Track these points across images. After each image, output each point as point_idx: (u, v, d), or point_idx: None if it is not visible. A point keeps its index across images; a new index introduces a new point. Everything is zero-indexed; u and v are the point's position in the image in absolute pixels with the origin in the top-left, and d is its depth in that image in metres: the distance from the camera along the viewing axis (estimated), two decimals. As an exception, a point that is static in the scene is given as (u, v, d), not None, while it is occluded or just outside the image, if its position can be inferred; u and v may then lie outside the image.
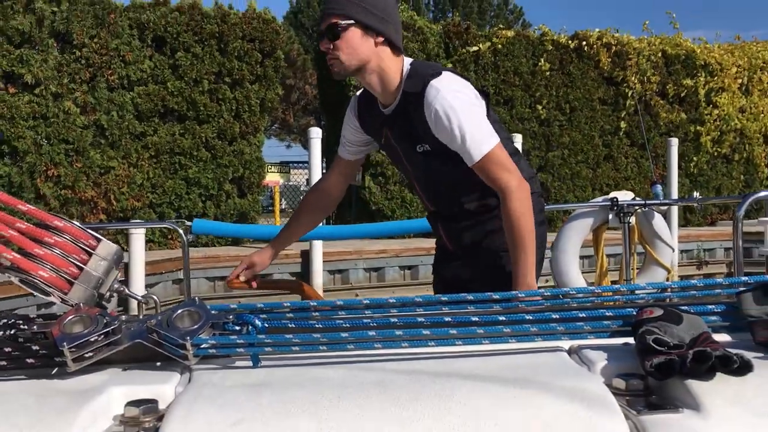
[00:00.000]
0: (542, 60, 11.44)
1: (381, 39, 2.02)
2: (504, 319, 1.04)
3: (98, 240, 0.94)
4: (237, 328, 0.94)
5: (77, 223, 0.93)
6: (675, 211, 9.72)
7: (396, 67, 2.07)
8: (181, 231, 2.83)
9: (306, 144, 9.64)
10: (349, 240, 9.13)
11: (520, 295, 1.12)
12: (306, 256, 8.33)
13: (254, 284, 2.28)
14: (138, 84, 9.26)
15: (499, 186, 2.02)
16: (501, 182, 2.01)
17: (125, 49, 9.12)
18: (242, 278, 2.26)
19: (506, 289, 2.07)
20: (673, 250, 6.33)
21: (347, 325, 0.96)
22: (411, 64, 2.09)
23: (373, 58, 2.02)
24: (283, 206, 20.98)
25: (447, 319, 1.01)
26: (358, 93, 2.31)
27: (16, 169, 8.66)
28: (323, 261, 8.41)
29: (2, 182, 8.61)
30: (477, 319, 1.02)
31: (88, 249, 0.92)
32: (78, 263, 0.91)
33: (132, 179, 9.22)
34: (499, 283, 2.10)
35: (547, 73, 11.47)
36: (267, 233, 6.94)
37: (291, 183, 22.67)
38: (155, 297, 1.01)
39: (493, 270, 2.16)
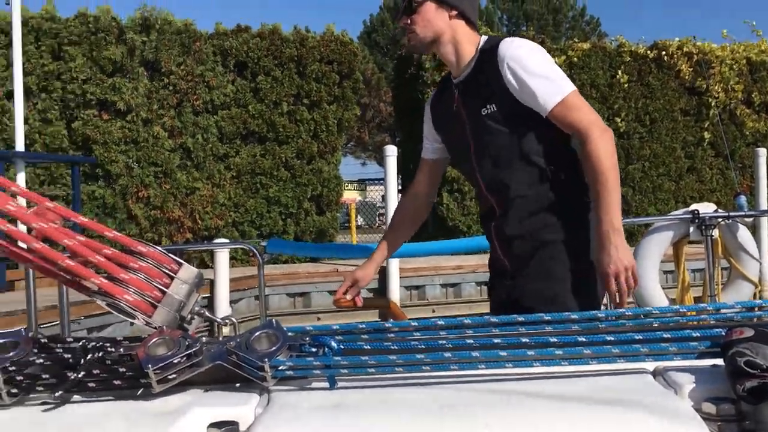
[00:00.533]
0: (620, 72, 11.15)
1: (455, 12, 2.12)
2: (584, 339, 1.00)
3: (179, 264, 0.97)
4: (313, 349, 0.95)
5: (159, 248, 0.97)
6: (766, 223, 9.21)
7: (470, 39, 2.15)
8: (256, 251, 2.89)
9: (381, 161, 9.73)
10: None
11: (599, 314, 1.08)
12: (383, 272, 8.37)
13: (359, 301, 2.30)
14: (221, 108, 9.62)
15: (579, 128, 1.97)
16: (582, 124, 1.97)
17: (209, 74, 9.50)
18: (348, 296, 2.27)
19: (558, 306, 1.99)
20: (761, 264, 6.01)
21: (423, 346, 0.96)
22: (487, 37, 2.18)
23: (447, 30, 2.13)
24: (360, 223, 21.20)
25: (524, 340, 0.98)
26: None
27: (110, 191, 9.14)
28: (400, 277, 8.43)
29: (97, 204, 9.10)
30: (555, 340, 0.99)
31: (170, 273, 0.96)
32: (161, 287, 0.94)
33: (215, 199, 9.56)
34: (552, 300, 2.02)
35: (626, 85, 11.17)
36: (341, 251, 7.00)
37: (367, 200, 22.90)
38: (234, 319, 1.04)
39: (547, 285, 2.06)
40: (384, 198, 12.59)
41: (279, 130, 9.83)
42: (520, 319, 1.02)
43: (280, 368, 0.91)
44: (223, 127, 9.61)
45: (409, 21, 2.13)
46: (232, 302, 7.70)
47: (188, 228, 9.47)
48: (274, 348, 0.91)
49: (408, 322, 1.01)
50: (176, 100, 9.40)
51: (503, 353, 0.96)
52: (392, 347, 0.95)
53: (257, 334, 0.93)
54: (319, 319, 8.80)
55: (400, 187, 10.53)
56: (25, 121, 7.84)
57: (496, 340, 0.98)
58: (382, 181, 13.94)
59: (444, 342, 0.97)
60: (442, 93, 2.32)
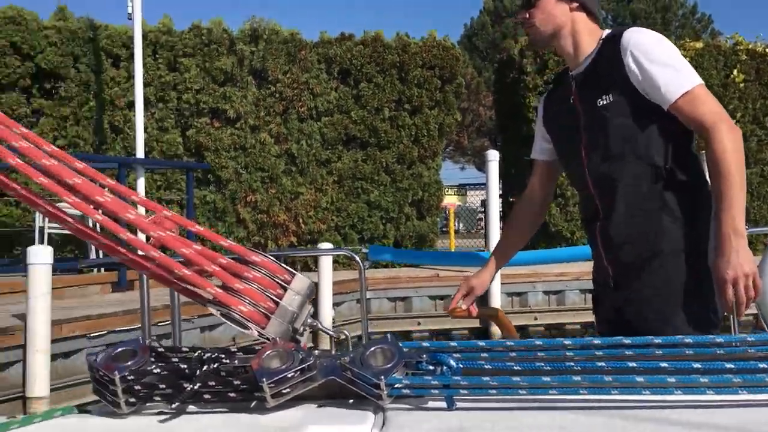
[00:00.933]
0: (735, 71, 10.47)
1: (575, 5, 2.05)
2: (732, 366, 0.90)
3: (292, 274, 0.95)
4: (431, 367, 0.89)
5: (272, 258, 0.95)
6: None
7: (591, 31, 2.06)
8: (357, 258, 2.88)
9: (480, 166, 9.67)
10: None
11: (749, 338, 0.96)
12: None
13: (473, 311, 2.21)
14: (325, 114, 9.81)
15: (704, 122, 1.82)
16: (707, 117, 1.82)
17: (314, 82, 9.71)
18: (464, 305, 2.19)
19: (668, 320, 1.82)
20: None
21: (548, 368, 0.88)
22: (611, 30, 2.08)
23: (567, 23, 2.05)
24: (459, 228, 20.98)
25: (663, 364, 0.89)
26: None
27: (220, 195, 9.52)
28: (501, 283, 8.27)
29: (208, 208, 9.49)
30: (699, 366, 0.89)
31: (284, 284, 0.94)
32: (274, 298, 0.92)
33: (318, 203, 9.74)
34: (662, 314, 1.86)
35: (741, 85, 10.48)
36: (442, 259, 6.91)
37: (467, 205, 22.67)
38: (346, 332, 1.01)
39: (656, 294, 1.88)
40: (484, 203, 12.40)
41: (380, 135, 9.90)
42: (658, 341, 0.93)
43: (396, 386, 0.87)
44: (326, 133, 9.79)
45: (527, 15, 2.06)
46: (334, 305, 7.81)
47: (292, 231, 9.70)
48: (390, 365, 0.87)
49: (532, 341, 0.94)
50: (282, 107, 9.67)
51: (639, 378, 0.87)
52: (515, 368, 0.89)
53: (372, 349, 0.89)
54: (419, 324, 8.77)
55: (500, 192, 10.35)
56: (144, 130, 8.30)
57: (630, 364, 0.89)
58: (481, 186, 13.74)
59: (572, 364, 0.89)
60: (557, 89, 2.22)
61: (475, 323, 8.12)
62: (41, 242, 7.08)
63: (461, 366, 0.88)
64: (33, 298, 5.01)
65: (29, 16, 9.29)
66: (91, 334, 5.62)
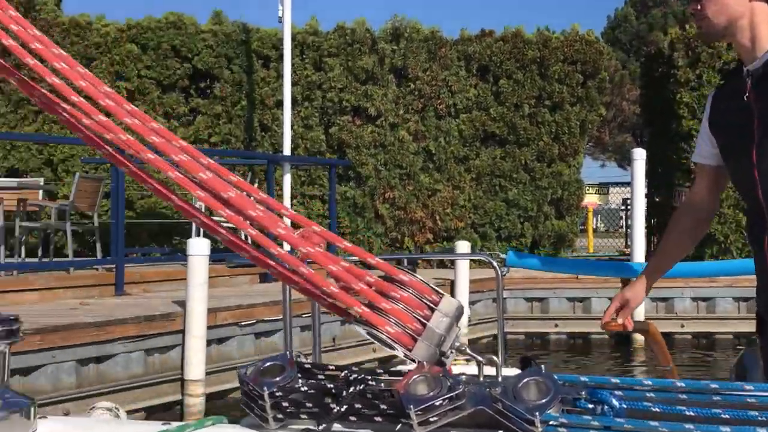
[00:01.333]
0: None
1: None
2: None
3: (441, 295, 0.91)
4: (590, 406, 0.82)
5: (420, 277, 0.92)
6: None
7: None
8: (495, 264, 2.79)
9: (622, 163, 9.24)
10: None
11: None
12: (627, 282, 7.80)
13: (629, 324, 2.09)
14: (463, 111, 9.75)
15: None
16: None
17: (453, 79, 9.69)
18: (620, 319, 2.08)
19: None
20: None
21: (726, 416, 0.78)
22: None
23: (745, 14, 1.83)
24: (597, 226, 20.07)
25: None
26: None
27: (360, 191, 9.74)
28: (646, 288, 7.80)
29: (348, 203, 9.75)
30: None
31: (431, 305, 0.90)
32: (421, 319, 0.89)
33: (455, 201, 9.71)
34: None
35: None
36: (588, 269, 6.55)
37: (609, 205, 21.67)
38: (495, 358, 0.96)
39: None
40: (626, 202, 11.79)
41: (519, 132, 9.70)
42: None
43: (551, 423, 0.80)
44: (464, 130, 9.74)
45: (699, 6, 1.87)
46: (470, 303, 7.76)
47: (429, 228, 9.74)
48: (545, 400, 0.81)
49: (707, 383, 0.84)
50: (421, 105, 9.73)
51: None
52: (687, 413, 0.80)
53: (525, 381, 0.83)
54: (556, 326, 8.52)
55: (645, 192, 9.81)
56: (291, 128, 8.66)
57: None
58: (624, 185, 13.03)
59: (755, 414, 0.79)
60: (727, 85, 2.02)
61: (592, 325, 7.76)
62: (197, 235, 7.57)
63: (624, 407, 0.81)
64: (192, 286, 5.36)
65: (188, 21, 9.97)
66: (242, 323, 5.92)
